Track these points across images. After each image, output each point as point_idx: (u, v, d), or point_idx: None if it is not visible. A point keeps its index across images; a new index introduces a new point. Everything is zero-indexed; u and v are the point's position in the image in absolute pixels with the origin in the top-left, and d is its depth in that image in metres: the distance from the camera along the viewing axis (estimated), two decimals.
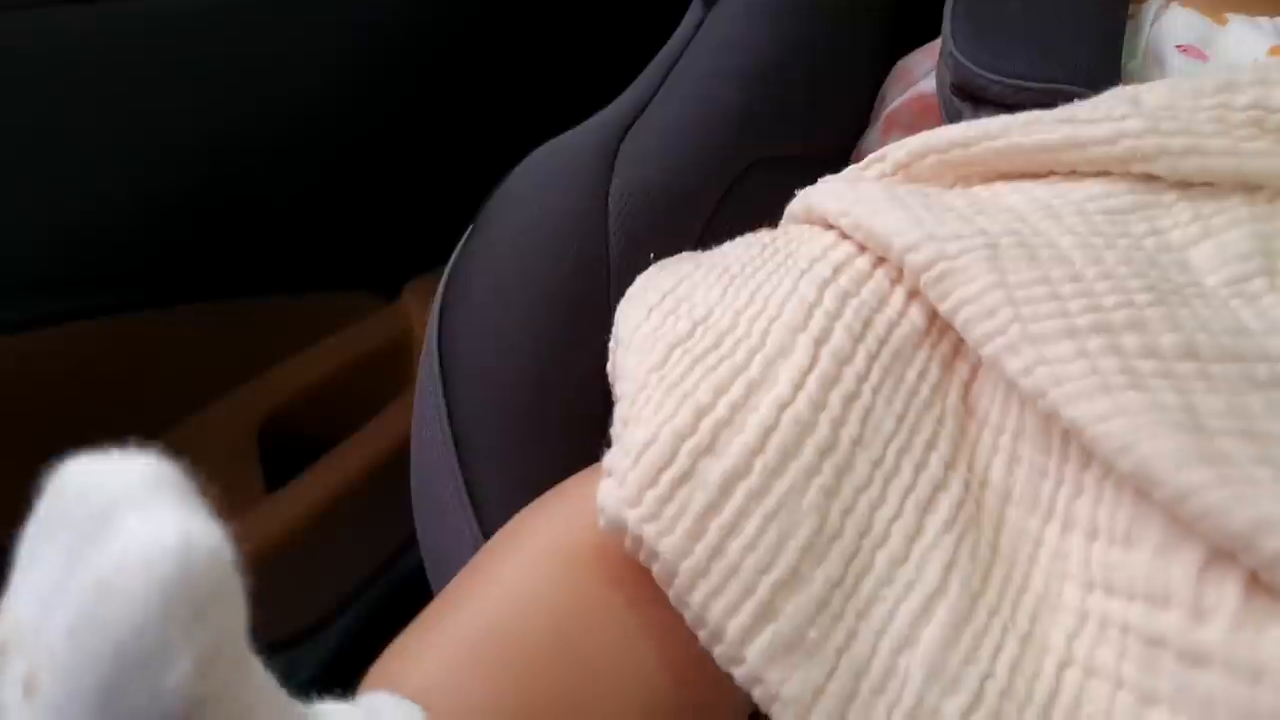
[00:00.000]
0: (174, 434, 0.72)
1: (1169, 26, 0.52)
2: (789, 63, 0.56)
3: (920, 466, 0.33)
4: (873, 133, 0.58)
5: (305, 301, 0.79)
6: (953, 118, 0.50)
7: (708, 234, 0.51)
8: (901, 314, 0.37)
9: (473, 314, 0.49)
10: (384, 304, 0.83)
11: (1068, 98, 0.42)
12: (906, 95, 0.56)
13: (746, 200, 0.53)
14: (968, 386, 0.36)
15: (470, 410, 0.47)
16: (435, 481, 0.48)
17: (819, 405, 0.33)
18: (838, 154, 0.58)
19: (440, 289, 0.51)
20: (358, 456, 0.76)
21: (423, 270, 0.82)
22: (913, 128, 0.55)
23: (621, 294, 0.42)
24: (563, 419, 0.47)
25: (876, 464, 0.33)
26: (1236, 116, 0.38)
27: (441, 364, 0.49)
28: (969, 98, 0.49)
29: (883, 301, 0.37)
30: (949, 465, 0.34)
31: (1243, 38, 0.51)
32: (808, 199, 0.43)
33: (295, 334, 0.78)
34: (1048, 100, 0.43)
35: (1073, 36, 0.48)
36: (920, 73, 0.58)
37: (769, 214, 0.46)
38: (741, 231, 0.46)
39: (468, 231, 0.52)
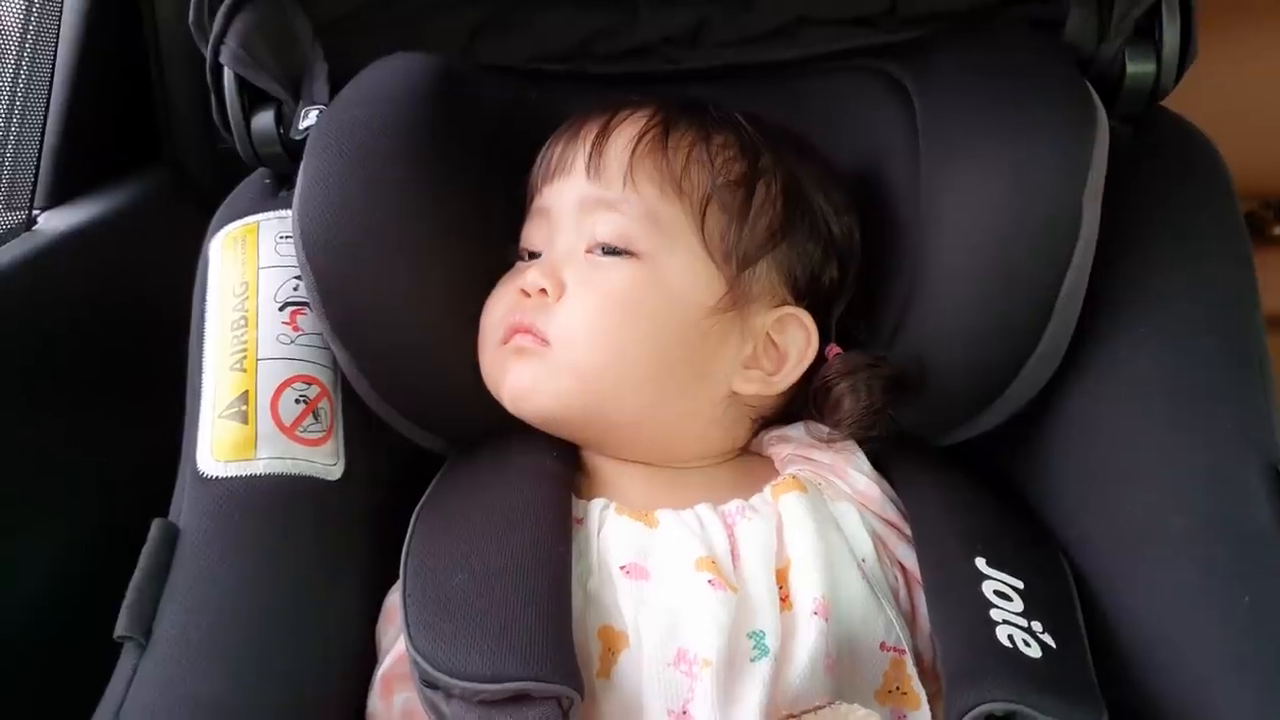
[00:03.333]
0: None
1: (611, 540, 0.56)
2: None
3: None
4: (373, 697, 0.56)
5: None
6: (429, 708, 0.51)
7: None
8: None
9: None
10: None
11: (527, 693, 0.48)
12: (399, 648, 0.55)
13: None
14: None
15: None
16: None
17: None
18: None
19: None
20: None
21: None
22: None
23: None
24: None
25: None
26: None
27: None
28: (437, 688, 0.50)
29: None
30: None
31: (673, 543, 0.56)
32: None
33: None
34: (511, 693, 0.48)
35: (523, 622, 0.50)
36: None
37: None
38: None
39: None
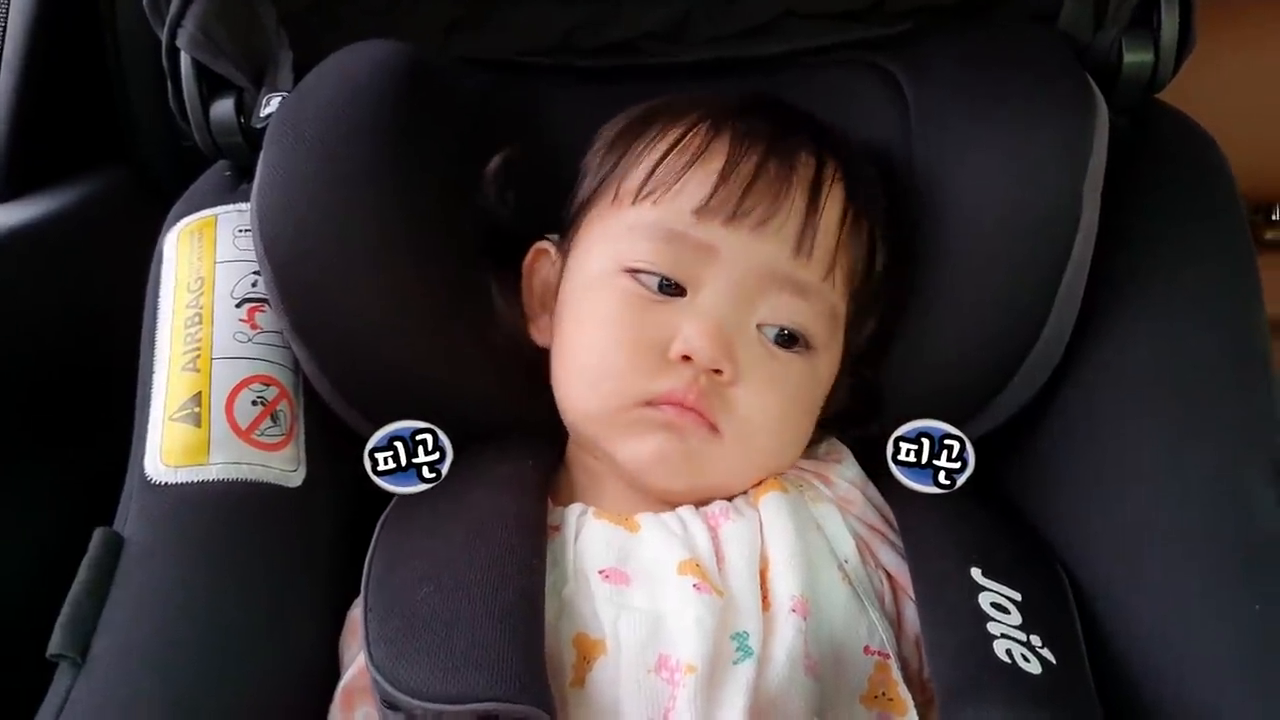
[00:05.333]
0: None
1: (589, 545, 0.54)
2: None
3: None
4: (333, 711, 0.53)
5: None
6: None
7: None
8: None
9: None
10: None
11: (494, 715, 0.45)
12: (361, 660, 0.51)
13: None
14: None
15: None
16: None
17: None
18: None
19: None
20: None
21: None
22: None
23: None
24: None
25: None
26: None
27: None
28: (398, 709, 0.47)
29: None
30: None
31: (655, 547, 0.54)
32: None
33: None
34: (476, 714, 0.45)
35: (491, 638, 0.47)
36: None
37: None
38: None
39: None
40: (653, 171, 0.57)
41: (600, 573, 0.53)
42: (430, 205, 0.60)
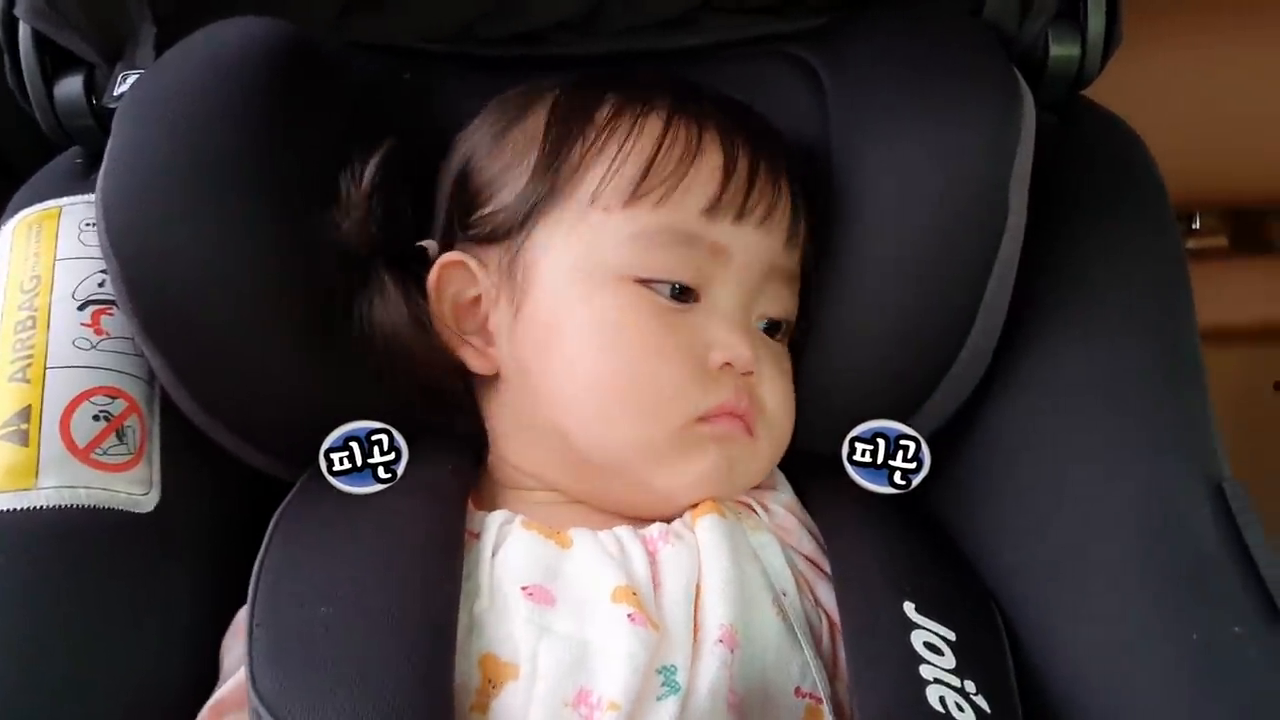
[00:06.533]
0: None
1: (512, 558, 0.49)
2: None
3: None
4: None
5: None
6: None
7: None
8: None
9: None
10: None
11: None
12: (240, 677, 0.46)
13: None
14: None
15: None
16: None
17: None
18: None
19: None
20: None
21: None
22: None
23: None
24: None
25: None
26: None
27: None
28: None
29: None
30: None
31: (588, 568, 0.50)
32: None
33: None
34: None
35: (391, 670, 0.43)
36: None
37: None
38: None
39: None
40: (648, 170, 0.53)
41: (524, 589, 0.48)
42: (306, 198, 0.54)
